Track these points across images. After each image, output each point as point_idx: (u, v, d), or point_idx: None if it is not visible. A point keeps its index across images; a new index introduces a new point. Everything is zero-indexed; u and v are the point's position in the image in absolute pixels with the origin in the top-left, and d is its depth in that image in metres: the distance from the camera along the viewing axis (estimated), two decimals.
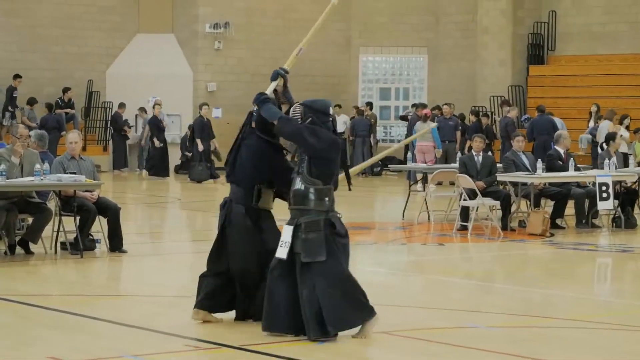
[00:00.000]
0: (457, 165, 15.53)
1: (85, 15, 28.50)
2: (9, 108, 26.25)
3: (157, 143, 26.06)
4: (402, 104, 30.78)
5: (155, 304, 9.03)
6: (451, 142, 23.50)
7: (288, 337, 7.38)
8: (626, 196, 15.48)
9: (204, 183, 24.14)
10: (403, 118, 27.93)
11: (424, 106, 25.16)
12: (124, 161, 27.85)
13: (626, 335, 7.97)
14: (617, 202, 14.96)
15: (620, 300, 9.98)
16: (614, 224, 15.34)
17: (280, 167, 7.68)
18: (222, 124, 27.43)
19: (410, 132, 24.60)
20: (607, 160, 15.36)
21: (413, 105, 28.55)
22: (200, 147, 24.22)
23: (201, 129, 24.42)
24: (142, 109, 27.96)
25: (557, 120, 23.66)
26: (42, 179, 11.45)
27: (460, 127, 24.63)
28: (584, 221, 15.05)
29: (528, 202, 15.04)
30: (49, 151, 13.71)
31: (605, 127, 22.66)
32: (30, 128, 18.08)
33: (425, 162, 20.60)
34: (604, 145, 17.18)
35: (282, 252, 7.29)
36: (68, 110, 27.23)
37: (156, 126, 26.32)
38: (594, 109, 24.69)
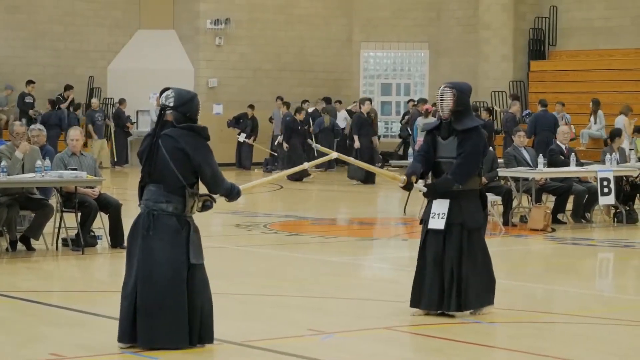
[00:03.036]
0: None
1: (87, 11, 28.50)
2: (25, 113, 25.96)
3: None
4: (403, 99, 30.77)
5: None
6: None
7: (291, 333, 7.37)
8: (628, 191, 15.47)
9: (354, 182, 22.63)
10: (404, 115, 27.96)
11: (424, 101, 25.16)
12: (126, 157, 27.86)
13: (628, 331, 7.96)
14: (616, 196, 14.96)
15: (622, 295, 9.97)
16: (616, 219, 15.33)
17: (205, 161, 6.85)
18: (223, 120, 27.45)
19: (411, 128, 24.62)
20: (608, 155, 15.36)
21: (409, 101, 28.62)
22: (357, 144, 22.62)
23: (360, 125, 22.88)
24: None
25: (565, 115, 23.68)
26: (43, 176, 11.45)
27: None
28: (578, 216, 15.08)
29: (529, 198, 15.03)
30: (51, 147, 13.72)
31: (620, 122, 22.51)
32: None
33: None
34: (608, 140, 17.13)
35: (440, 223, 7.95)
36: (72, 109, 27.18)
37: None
38: (591, 105, 24.67)
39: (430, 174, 8.40)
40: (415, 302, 8.15)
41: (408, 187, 8.27)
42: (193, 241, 6.87)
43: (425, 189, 8.22)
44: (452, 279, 8.01)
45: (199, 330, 6.86)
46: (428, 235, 8.15)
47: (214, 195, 7.03)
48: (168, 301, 6.77)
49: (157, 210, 6.85)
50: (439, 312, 8.07)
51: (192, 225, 6.93)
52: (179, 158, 6.83)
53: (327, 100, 28.93)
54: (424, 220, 8.21)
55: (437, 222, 8.07)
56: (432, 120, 22.50)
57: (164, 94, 6.98)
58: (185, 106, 6.92)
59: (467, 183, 8.12)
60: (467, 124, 8.12)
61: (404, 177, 8.20)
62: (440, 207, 8.09)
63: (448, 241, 8.06)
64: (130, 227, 7.04)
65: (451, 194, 8.09)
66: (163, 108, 6.94)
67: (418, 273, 8.17)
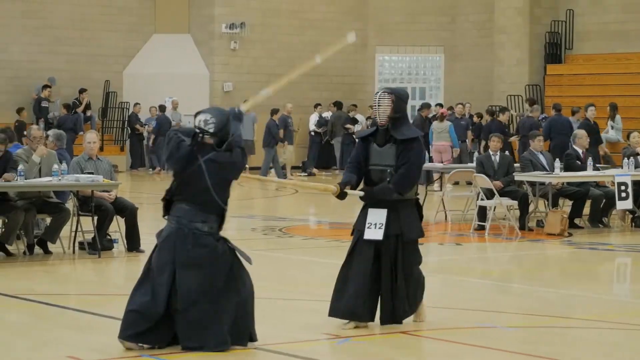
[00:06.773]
0: (474, 164, 15.50)
1: (102, 16, 28.60)
2: (41, 118, 26.05)
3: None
4: (418, 103, 30.73)
5: None
6: (463, 142, 23.43)
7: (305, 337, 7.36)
8: None
9: None
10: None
11: (428, 106, 24.97)
12: (141, 161, 27.97)
13: None
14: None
15: (638, 300, 9.92)
16: (634, 224, 15.27)
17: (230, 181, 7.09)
18: None
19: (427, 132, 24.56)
20: (625, 160, 15.30)
21: (435, 105, 28.59)
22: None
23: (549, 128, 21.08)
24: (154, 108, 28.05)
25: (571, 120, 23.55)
26: (60, 179, 11.49)
27: (470, 127, 24.57)
28: (596, 221, 15.01)
29: (546, 202, 14.98)
30: (66, 150, 13.75)
31: None
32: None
33: (442, 162, 20.58)
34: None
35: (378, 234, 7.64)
36: (87, 111, 27.31)
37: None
38: (608, 109, 24.53)
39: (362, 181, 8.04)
40: (334, 311, 7.80)
41: (341, 196, 7.95)
42: (236, 248, 7.09)
43: (361, 194, 7.92)
44: (389, 292, 7.71)
45: (249, 330, 7.07)
46: (359, 244, 7.85)
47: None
48: (217, 313, 6.91)
49: (193, 230, 6.94)
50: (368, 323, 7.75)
51: (224, 238, 7.10)
52: (221, 184, 6.96)
53: (338, 104, 28.92)
54: (358, 230, 7.91)
55: (375, 233, 7.76)
56: (446, 124, 22.44)
57: (202, 119, 7.02)
58: (224, 130, 7.00)
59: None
60: (407, 133, 7.82)
61: (336, 188, 7.90)
62: (378, 217, 7.79)
63: (384, 252, 7.75)
64: (159, 239, 7.07)
65: (387, 203, 7.78)
66: (201, 132, 6.97)
67: (341, 281, 7.83)
